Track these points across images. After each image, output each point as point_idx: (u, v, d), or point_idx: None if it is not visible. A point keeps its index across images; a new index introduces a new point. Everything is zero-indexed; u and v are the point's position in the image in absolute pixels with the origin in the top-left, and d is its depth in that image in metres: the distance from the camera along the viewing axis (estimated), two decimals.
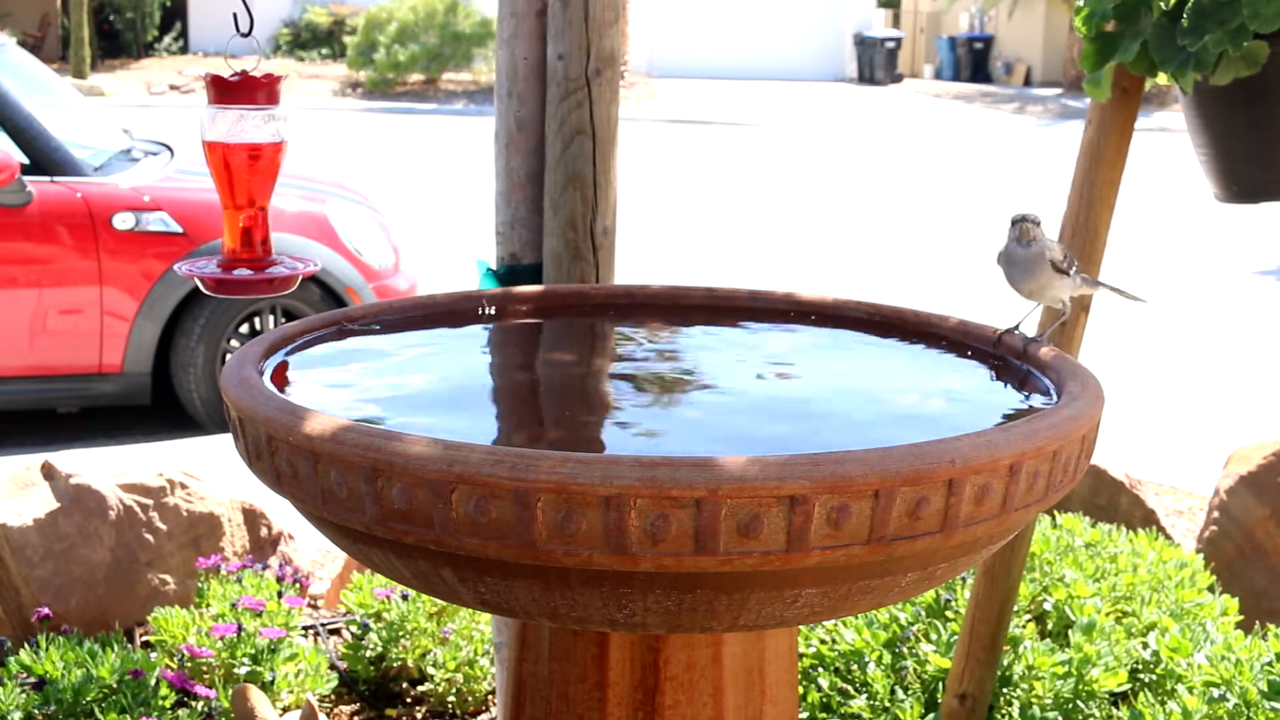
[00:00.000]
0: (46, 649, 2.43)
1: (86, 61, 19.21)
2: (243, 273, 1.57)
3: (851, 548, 1.11)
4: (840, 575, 1.16)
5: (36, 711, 2.28)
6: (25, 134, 4.84)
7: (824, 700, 2.31)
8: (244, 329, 5.10)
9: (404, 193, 10.22)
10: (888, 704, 2.24)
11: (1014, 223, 1.60)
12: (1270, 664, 2.21)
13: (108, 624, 2.90)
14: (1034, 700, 2.22)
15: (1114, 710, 2.27)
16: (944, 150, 15.62)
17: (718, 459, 1.07)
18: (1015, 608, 2.27)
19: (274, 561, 3.19)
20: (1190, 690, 2.21)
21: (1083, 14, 1.81)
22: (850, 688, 2.31)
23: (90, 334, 4.85)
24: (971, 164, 14.26)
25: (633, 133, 15.00)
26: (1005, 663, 2.25)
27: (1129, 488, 3.35)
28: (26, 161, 4.76)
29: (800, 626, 2.06)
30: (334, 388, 1.48)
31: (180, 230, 4.86)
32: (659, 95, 20.81)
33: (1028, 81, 24.96)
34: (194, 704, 2.38)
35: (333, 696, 2.69)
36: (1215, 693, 2.14)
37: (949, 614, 2.42)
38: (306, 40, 22.78)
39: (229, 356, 1.45)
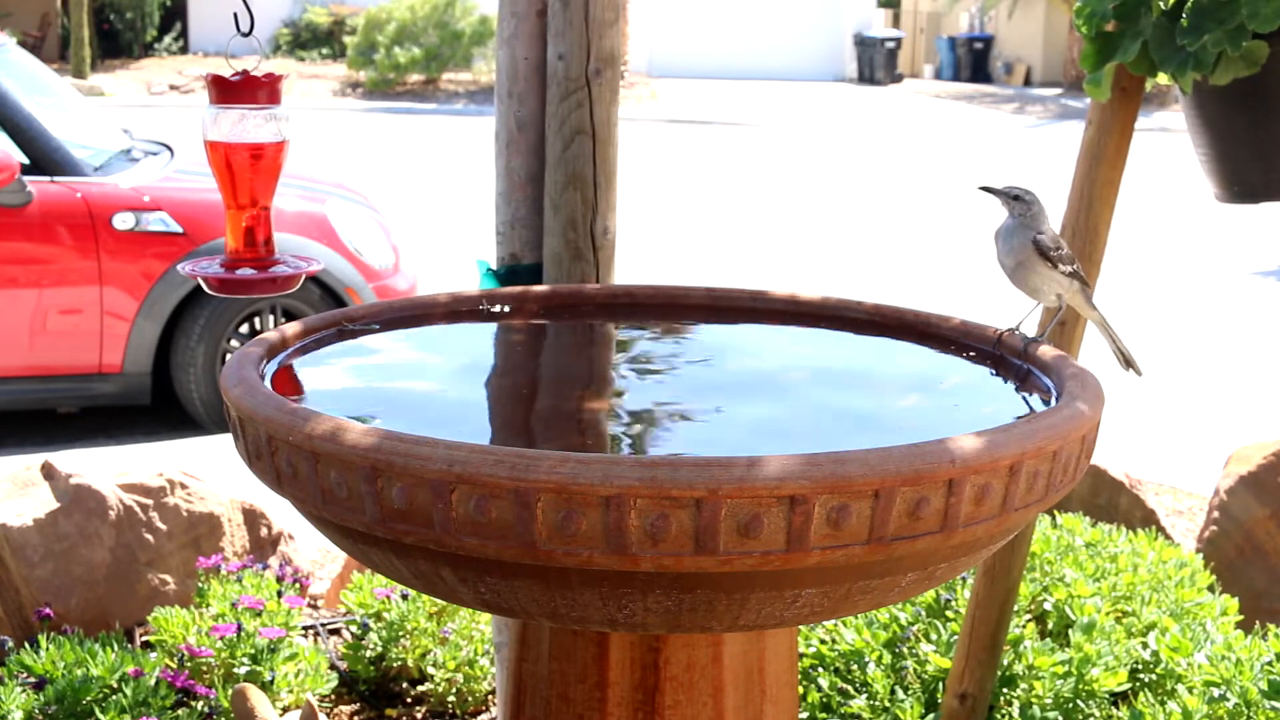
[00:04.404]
0: (46, 649, 2.43)
1: (86, 61, 19.21)
2: (246, 272, 1.57)
3: (851, 548, 1.11)
4: (840, 575, 1.16)
5: (37, 711, 2.28)
6: (25, 134, 4.84)
7: (824, 700, 2.31)
8: (244, 329, 5.10)
9: (404, 193, 10.22)
10: (888, 704, 2.24)
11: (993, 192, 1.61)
12: (1270, 664, 2.21)
13: (108, 624, 2.90)
14: (1034, 700, 2.22)
15: (1114, 710, 2.27)
16: (944, 150, 15.62)
17: (717, 459, 1.07)
18: (1015, 608, 2.27)
19: (274, 561, 3.19)
20: (1190, 690, 2.21)
21: (1082, 14, 1.81)
22: (850, 688, 2.31)
23: (90, 334, 4.85)
24: (971, 164, 14.26)
25: (633, 133, 14.99)
26: (1005, 662, 2.25)
27: (1129, 488, 3.35)
28: (26, 161, 4.76)
29: (800, 626, 2.07)
30: (334, 388, 1.48)
31: (180, 230, 4.86)
32: (659, 95, 20.80)
33: (1028, 81, 24.96)
34: (194, 704, 2.39)
35: (333, 696, 2.69)
36: (1215, 692, 2.15)
37: (949, 614, 2.42)
38: (306, 40, 22.77)
39: (229, 356, 1.45)
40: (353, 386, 1.50)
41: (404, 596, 2.70)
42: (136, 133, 5.97)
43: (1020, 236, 1.60)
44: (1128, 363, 1.71)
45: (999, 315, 1.83)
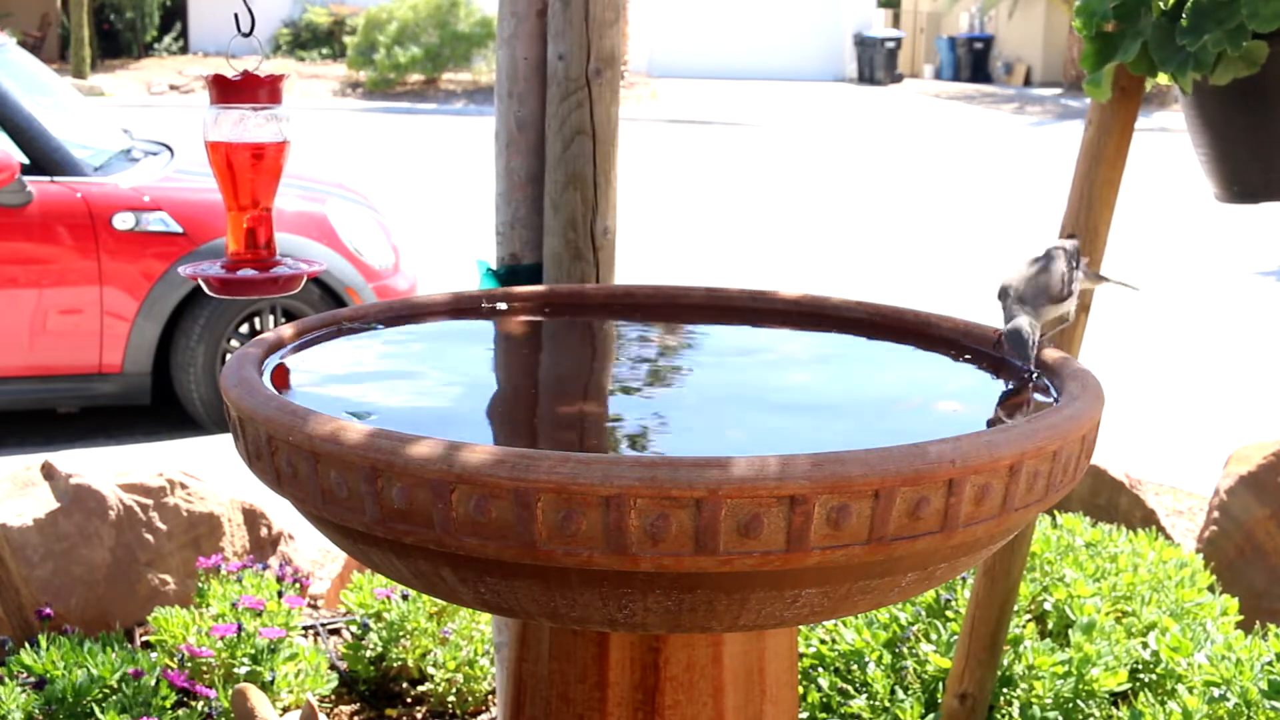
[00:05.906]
0: (47, 649, 2.43)
1: (86, 61, 19.21)
2: (248, 273, 1.57)
3: (851, 548, 1.11)
4: (840, 575, 1.16)
5: (36, 711, 2.28)
6: (25, 134, 4.84)
7: (824, 700, 2.31)
8: (244, 329, 5.11)
9: (404, 193, 10.22)
10: (888, 704, 2.24)
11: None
12: (1270, 664, 2.21)
13: (108, 624, 2.90)
14: (1034, 700, 2.22)
15: (1114, 710, 2.27)
16: (944, 150, 15.62)
17: (718, 459, 1.07)
18: (1015, 608, 2.27)
19: (274, 561, 3.19)
20: (1190, 690, 2.21)
21: (1081, 14, 1.81)
22: (850, 688, 2.31)
23: (90, 334, 4.85)
24: (971, 164, 14.26)
25: (633, 133, 15.00)
26: (1005, 663, 2.26)
27: (1129, 488, 3.35)
28: (26, 161, 4.76)
29: (800, 626, 2.07)
30: (333, 388, 1.48)
31: (180, 230, 4.86)
32: (659, 95, 20.81)
33: (1028, 81, 24.96)
34: (194, 704, 2.39)
35: (333, 696, 2.69)
36: (1215, 692, 2.15)
37: (949, 614, 2.42)
38: (306, 40, 22.78)
39: (229, 356, 1.45)
40: (352, 386, 1.50)
41: (404, 596, 2.70)
42: (136, 133, 5.97)
43: (1030, 329, 1.49)
44: (1126, 285, 1.78)
45: (999, 316, 1.83)
